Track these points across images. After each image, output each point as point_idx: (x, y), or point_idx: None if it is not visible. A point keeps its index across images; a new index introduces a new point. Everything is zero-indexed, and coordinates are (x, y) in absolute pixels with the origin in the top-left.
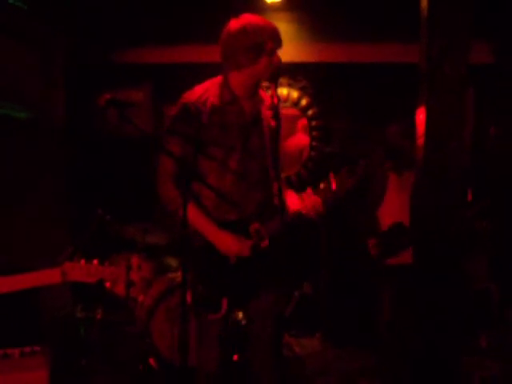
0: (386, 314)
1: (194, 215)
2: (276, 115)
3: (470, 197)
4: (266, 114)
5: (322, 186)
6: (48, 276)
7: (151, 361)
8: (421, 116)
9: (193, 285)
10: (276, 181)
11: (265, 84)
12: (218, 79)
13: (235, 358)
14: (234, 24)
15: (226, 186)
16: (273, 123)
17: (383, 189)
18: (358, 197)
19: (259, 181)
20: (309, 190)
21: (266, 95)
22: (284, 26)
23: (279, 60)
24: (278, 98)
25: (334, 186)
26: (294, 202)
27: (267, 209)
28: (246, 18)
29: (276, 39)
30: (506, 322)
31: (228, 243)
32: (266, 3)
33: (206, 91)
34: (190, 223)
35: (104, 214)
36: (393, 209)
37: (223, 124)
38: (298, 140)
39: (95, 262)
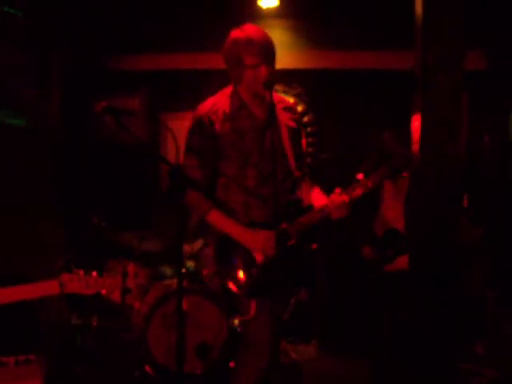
0: (384, 320)
1: (220, 218)
2: (295, 116)
3: (465, 202)
4: (283, 115)
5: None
6: (46, 288)
7: (147, 368)
8: (416, 122)
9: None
10: (302, 180)
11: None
12: (229, 89)
13: (232, 364)
14: (232, 33)
15: (250, 189)
16: (291, 124)
17: (378, 195)
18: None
19: (282, 181)
20: (337, 190)
21: (281, 97)
22: (279, 33)
23: (266, 73)
24: (273, 102)
25: (360, 177)
26: (320, 199)
27: (294, 208)
28: (246, 28)
29: (258, 54)
30: (503, 330)
31: (255, 239)
32: (261, 10)
33: (217, 101)
34: (216, 227)
35: (100, 221)
36: (388, 215)
37: (237, 129)
38: None
39: (94, 273)
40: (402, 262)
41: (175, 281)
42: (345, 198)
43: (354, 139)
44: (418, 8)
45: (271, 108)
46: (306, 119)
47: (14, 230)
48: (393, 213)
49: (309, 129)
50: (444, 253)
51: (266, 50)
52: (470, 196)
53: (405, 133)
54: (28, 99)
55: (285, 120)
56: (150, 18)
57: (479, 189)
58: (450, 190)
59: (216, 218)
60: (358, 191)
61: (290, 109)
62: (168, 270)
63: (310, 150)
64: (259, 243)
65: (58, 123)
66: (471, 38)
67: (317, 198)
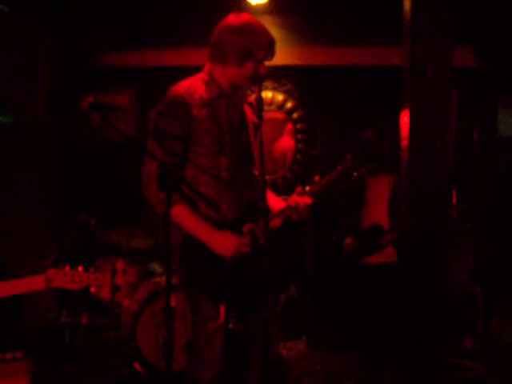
0: (370, 314)
1: (186, 215)
2: (255, 111)
3: (454, 197)
4: (248, 110)
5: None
6: (32, 283)
7: (136, 366)
8: (405, 118)
9: (186, 290)
10: (262, 180)
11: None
12: (202, 75)
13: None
14: (234, 19)
15: (224, 181)
16: (255, 120)
17: (361, 192)
18: (340, 199)
19: (249, 180)
20: (298, 189)
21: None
22: (268, 29)
23: (265, 71)
24: (262, 98)
25: (317, 179)
26: (275, 200)
27: (256, 209)
28: (248, 18)
29: (269, 51)
30: (491, 325)
31: (226, 241)
32: (250, 6)
33: (191, 85)
34: (180, 224)
35: (88, 219)
36: (372, 211)
37: (215, 117)
38: (284, 143)
39: (80, 268)
40: (389, 254)
41: (164, 278)
42: (307, 199)
43: (344, 136)
44: (407, 4)
45: (244, 103)
46: (295, 115)
47: (0, 228)
48: (377, 209)
49: (298, 125)
50: (432, 248)
51: (273, 46)
52: (459, 192)
53: (390, 129)
54: (15, 96)
55: (250, 116)
56: (138, 14)
57: (467, 185)
58: (439, 185)
59: (182, 213)
60: (315, 189)
61: (251, 104)
62: (157, 267)
63: (299, 146)
64: (230, 247)
65: (45, 120)
66: (460, 34)
67: (271, 198)
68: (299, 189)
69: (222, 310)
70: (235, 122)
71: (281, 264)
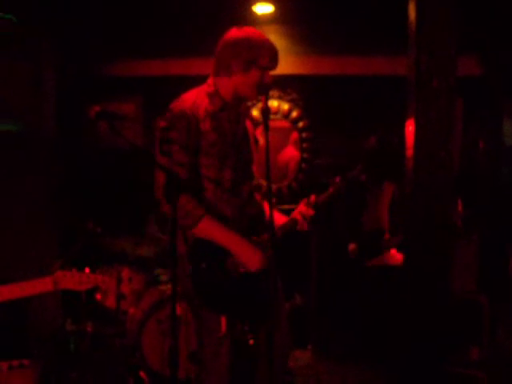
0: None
1: (214, 226)
2: (251, 122)
3: (459, 206)
4: (250, 126)
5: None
6: (40, 285)
7: (142, 374)
8: (410, 128)
9: (189, 299)
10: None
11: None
12: (205, 88)
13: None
14: (236, 32)
15: (225, 196)
16: (257, 136)
17: (363, 198)
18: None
19: (248, 195)
20: (304, 201)
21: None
22: (274, 39)
23: (270, 80)
24: (268, 108)
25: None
26: (277, 217)
27: (260, 222)
28: (251, 30)
29: (272, 59)
30: (497, 335)
31: (255, 253)
32: (256, 15)
33: (196, 98)
34: (208, 237)
35: (95, 227)
36: (372, 217)
37: (219, 129)
38: (289, 152)
39: (87, 270)
40: (390, 257)
41: (170, 286)
42: (311, 211)
43: (349, 145)
44: (412, 14)
45: (245, 115)
46: (301, 124)
47: (8, 235)
48: (378, 215)
49: (304, 134)
50: (435, 256)
51: (276, 55)
52: (464, 201)
53: (394, 138)
54: (22, 105)
55: (251, 131)
56: (145, 24)
57: (472, 194)
58: (443, 194)
59: (210, 226)
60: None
61: (252, 120)
62: (163, 275)
63: (305, 155)
64: (258, 258)
65: (52, 129)
66: (465, 44)
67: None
68: (305, 201)
69: (224, 321)
70: (238, 135)
71: (279, 281)
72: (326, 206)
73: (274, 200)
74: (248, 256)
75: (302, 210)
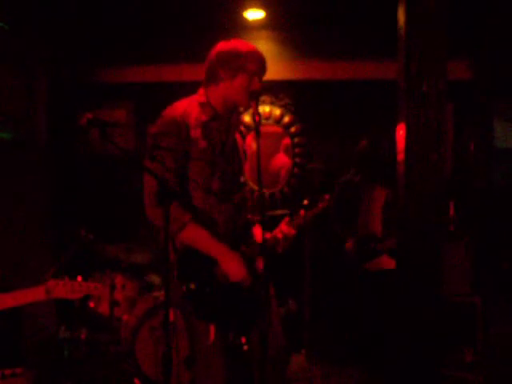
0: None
1: (200, 233)
2: (241, 132)
3: (451, 209)
4: (239, 139)
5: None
6: (32, 294)
7: (136, 381)
8: (401, 132)
9: (180, 306)
10: (260, 195)
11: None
12: (196, 97)
13: None
14: (223, 45)
15: (213, 203)
16: (241, 144)
17: (356, 202)
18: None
19: (236, 205)
20: (286, 220)
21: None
22: (265, 44)
23: (258, 86)
24: (259, 114)
25: (302, 213)
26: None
27: (247, 232)
28: (238, 41)
29: (259, 64)
30: (491, 337)
31: (239, 266)
32: (248, 21)
33: (187, 106)
34: (193, 244)
35: (87, 234)
36: (365, 221)
37: (209, 138)
38: (282, 158)
39: (79, 278)
40: (384, 262)
41: (163, 292)
42: (292, 231)
43: (342, 149)
44: (401, 18)
45: (236, 127)
46: (293, 130)
47: (0, 243)
48: (371, 218)
49: (296, 139)
50: (428, 259)
51: (264, 62)
52: (456, 204)
53: (384, 141)
54: (15, 112)
55: (241, 144)
56: (136, 31)
57: (464, 197)
58: (435, 198)
59: (194, 234)
60: (300, 222)
61: (241, 133)
62: (156, 282)
63: (297, 160)
64: (239, 270)
65: (45, 136)
66: (455, 48)
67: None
68: (287, 220)
69: (212, 329)
70: (227, 145)
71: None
72: (315, 219)
73: (266, 204)
74: (230, 267)
75: (283, 229)
